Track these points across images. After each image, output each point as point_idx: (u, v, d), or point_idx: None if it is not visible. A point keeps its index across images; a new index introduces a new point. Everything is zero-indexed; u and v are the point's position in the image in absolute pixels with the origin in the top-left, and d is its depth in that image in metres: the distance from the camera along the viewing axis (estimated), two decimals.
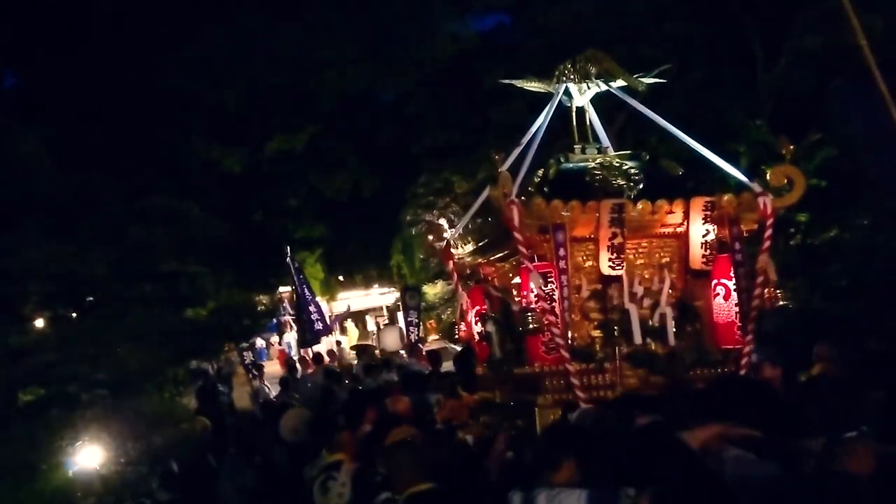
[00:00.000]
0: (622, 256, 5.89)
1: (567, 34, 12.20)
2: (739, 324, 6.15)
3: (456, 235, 7.48)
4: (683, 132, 6.70)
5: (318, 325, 15.81)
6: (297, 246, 18.09)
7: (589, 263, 6.19)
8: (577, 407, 5.68)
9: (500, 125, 12.82)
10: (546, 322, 5.77)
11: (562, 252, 5.84)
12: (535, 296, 5.85)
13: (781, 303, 6.25)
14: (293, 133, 17.98)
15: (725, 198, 6.12)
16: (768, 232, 6.17)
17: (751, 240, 6.28)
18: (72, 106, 9.55)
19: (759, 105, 12.72)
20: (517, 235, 5.73)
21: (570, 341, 5.98)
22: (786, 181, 6.16)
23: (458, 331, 7.51)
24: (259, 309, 18.46)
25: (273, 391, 12.96)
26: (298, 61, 14.70)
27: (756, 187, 6.21)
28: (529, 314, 5.73)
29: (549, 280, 5.92)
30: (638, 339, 5.91)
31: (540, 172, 6.56)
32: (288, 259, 16.26)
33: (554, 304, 5.87)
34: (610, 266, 5.89)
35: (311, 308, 15.87)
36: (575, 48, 7.12)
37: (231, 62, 13.67)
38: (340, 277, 21.95)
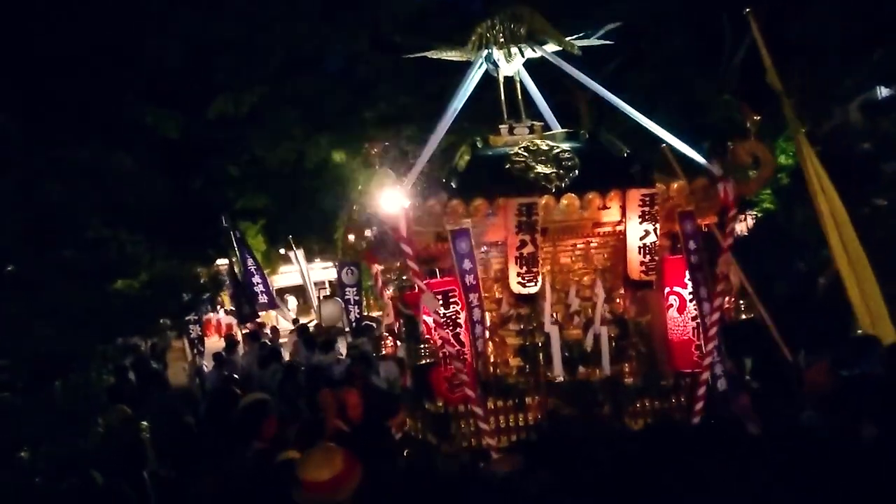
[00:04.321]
0: (535, 270, 4.69)
1: None
2: (698, 342, 4.94)
3: (377, 234, 6.34)
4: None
5: (263, 298, 14.85)
6: (238, 216, 17.20)
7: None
8: (488, 455, 4.60)
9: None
10: (445, 354, 4.64)
11: (467, 264, 4.66)
12: (433, 321, 4.71)
13: (745, 316, 4.97)
14: (238, 94, 16.77)
15: (675, 186, 4.88)
16: (731, 225, 4.93)
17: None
18: None
19: (727, 80, 11.47)
20: (405, 248, 4.59)
21: (485, 372, 4.87)
22: (751, 160, 4.87)
23: (384, 347, 6.43)
24: (202, 282, 17.48)
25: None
26: (244, 15, 13.53)
27: (715, 169, 4.95)
28: (422, 346, 4.61)
29: (451, 300, 4.78)
30: (558, 367, 4.74)
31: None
32: (226, 227, 15.23)
33: (459, 329, 4.73)
34: (519, 282, 4.70)
35: (255, 279, 14.94)
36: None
37: (170, 10, 12.47)
38: (282, 250, 20.97)
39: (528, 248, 4.60)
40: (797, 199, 9.77)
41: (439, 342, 4.67)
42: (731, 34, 10.77)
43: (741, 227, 11.90)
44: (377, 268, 6.59)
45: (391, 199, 4.56)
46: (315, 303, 16.80)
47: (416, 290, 5.88)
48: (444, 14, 15.31)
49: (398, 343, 6.06)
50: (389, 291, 6.51)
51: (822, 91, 10.67)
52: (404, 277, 6.36)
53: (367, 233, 6.50)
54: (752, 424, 4.79)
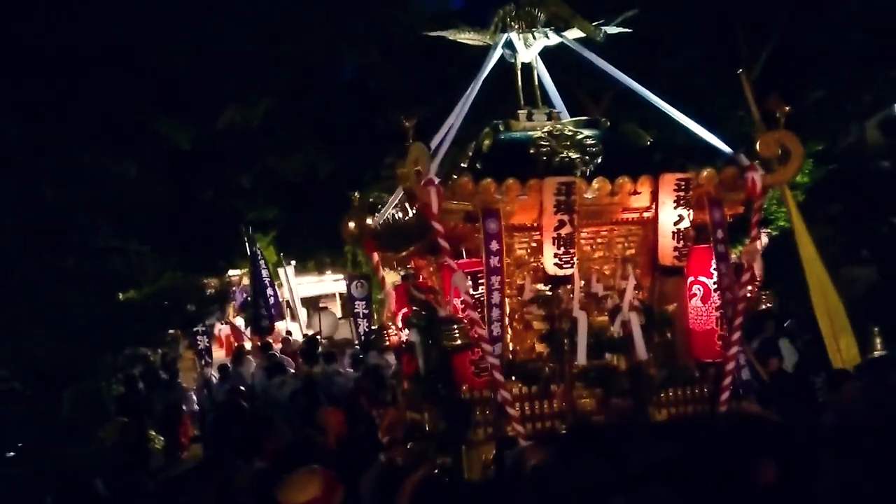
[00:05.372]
0: (572, 251, 4.59)
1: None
2: (721, 332, 4.90)
3: (380, 222, 6.16)
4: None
5: (273, 311, 14.88)
6: (249, 227, 17.05)
7: (534, 258, 4.90)
8: (514, 443, 4.45)
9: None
10: (475, 336, 4.49)
11: (493, 245, 4.53)
12: (462, 302, 4.57)
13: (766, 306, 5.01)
14: (248, 106, 16.53)
15: (704, 173, 4.83)
16: (757, 216, 4.92)
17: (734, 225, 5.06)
18: None
19: (741, 95, 11.76)
20: (436, 225, 4.43)
21: (507, 358, 4.73)
22: (779, 151, 4.88)
23: (386, 336, 6.23)
24: (208, 293, 17.36)
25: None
26: (255, 24, 13.28)
27: (742, 160, 4.94)
28: (455, 326, 4.45)
29: (480, 281, 4.65)
30: (582, 355, 4.63)
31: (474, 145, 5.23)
32: (248, 237, 15.26)
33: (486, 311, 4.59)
34: (556, 264, 4.59)
35: (269, 292, 14.90)
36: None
37: (179, 19, 12.11)
38: (293, 262, 20.63)
39: (567, 229, 4.50)
40: (813, 217, 9.97)
41: (468, 324, 4.53)
42: (747, 50, 11.02)
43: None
44: (377, 256, 6.41)
45: (423, 174, 4.41)
46: (303, 317, 16.63)
47: (423, 279, 5.83)
48: (457, 25, 15.33)
49: (406, 331, 5.85)
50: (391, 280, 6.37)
51: (840, 106, 10.89)
52: (409, 266, 6.22)
53: (369, 220, 6.33)
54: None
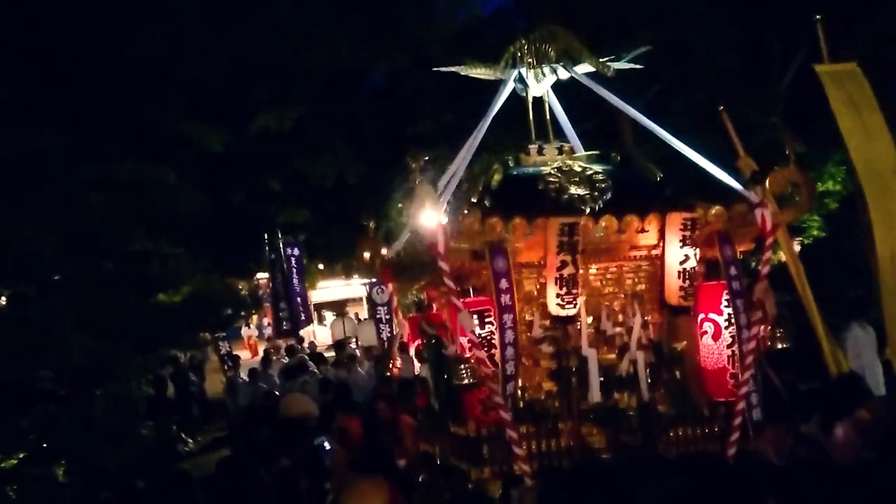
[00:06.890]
0: (575, 292, 4.59)
1: (581, 15, 10.84)
2: (733, 370, 4.85)
3: (393, 253, 6.22)
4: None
5: (302, 315, 15.08)
6: (279, 231, 17.40)
7: (542, 295, 4.90)
8: (521, 481, 4.45)
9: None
10: (482, 374, 4.52)
11: (503, 283, 4.55)
12: (469, 341, 4.59)
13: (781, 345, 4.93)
14: (279, 112, 16.81)
15: (713, 211, 4.81)
16: (767, 254, 4.87)
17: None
18: (21, 53, 8.31)
19: (774, 102, 11.49)
20: (443, 265, 4.46)
21: (515, 395, 4.74)
22: (790, 188, 4.84)
23: (391, 367, 6.28)
24: (242, 296, 17.57)
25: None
26: (285, 34, 13.53)
27: (753, 196, 4.90)
28: (463, 365, 4.48)
29: (487, 320, 4.67)
30: (596, 392, 4.62)
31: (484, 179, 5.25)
32: (285, 245, 15.44)
33: (494, 350, 4.61)
34: (559, 304, 4.60)
35: (299, 297, 15.14)
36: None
37: (211, 31, 12.37)
38: (321, 266, 20.82)
39: (569, 269, 4.51)
40: (847, 225, 9.74)
41: (474, 363, 4.55)
42: (780, 56, 10.80)
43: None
44: (391, 286, 6.48)
45: (430, 214, 4.45)
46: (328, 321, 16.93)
47: (436, 309, 5.87)
48: (486, 33, 15.42)
49: (418, 364, 5.90)
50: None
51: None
52: (422, 296, 6.27)
53: (384, 250, 6.39)
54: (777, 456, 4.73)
